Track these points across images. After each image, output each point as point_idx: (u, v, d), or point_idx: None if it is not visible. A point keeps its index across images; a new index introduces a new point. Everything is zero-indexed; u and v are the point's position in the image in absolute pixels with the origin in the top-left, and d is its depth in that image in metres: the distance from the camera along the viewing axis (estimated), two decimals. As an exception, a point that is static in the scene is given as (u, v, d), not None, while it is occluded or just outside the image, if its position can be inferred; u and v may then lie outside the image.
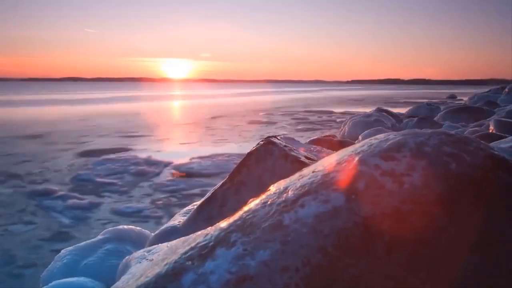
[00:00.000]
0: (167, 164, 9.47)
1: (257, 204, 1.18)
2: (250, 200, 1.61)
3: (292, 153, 2.43)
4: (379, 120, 15.25)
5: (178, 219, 2.81)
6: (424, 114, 18.53)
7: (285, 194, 1.16)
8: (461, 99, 42.07)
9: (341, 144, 5.84)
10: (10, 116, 22.20)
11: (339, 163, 1.21)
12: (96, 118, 19.11)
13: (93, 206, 6.61)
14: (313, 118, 21.81)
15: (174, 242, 2.00)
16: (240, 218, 1.14)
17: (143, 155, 10.28)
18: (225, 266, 0.97)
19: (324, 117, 22.12)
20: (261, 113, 24.16)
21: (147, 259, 1.84)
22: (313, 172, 1.24)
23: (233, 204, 2.49)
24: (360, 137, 11.87)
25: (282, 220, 1.04)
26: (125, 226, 4.65)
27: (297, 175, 1.32)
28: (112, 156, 10.27)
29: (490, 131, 8.32)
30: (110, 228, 4.55)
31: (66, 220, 5.99)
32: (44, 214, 6.23)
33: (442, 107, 21.79)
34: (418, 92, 75.40)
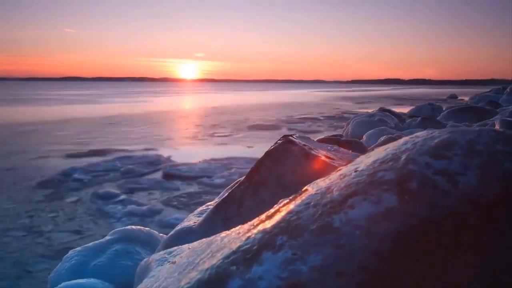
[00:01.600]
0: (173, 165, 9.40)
1: (299, 205, 1.12)
2: (281, 200, 1.55)
3: (313, 152, 2.37)
4: (382, 120, 15.21)
5: (193, 220, 2.74)
6: (426, 114, 18.49)
7: (329, 195, 1.10)
8: (462, 99, 42.06)
9: (349, 143, 5.74)
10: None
11: (383, 161, 1.15)
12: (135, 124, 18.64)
13: (110, 202, 6.57)
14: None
15: (195, 243, 1.94)
16: (283, 220, 1.07)
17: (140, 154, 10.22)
18: (274, 272, 0.91)
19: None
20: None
21: (169, 262, 1.78)
22: (355, 171, 1.18)
23: (251, 205, 2.43)
24: (364, 137, 11.82)
25: (332, 222, 0.97)
26: (134, 227, 4.59)
27: (336, 174, 1.26)
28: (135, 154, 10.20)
29: (497, 131, 8.23)
30: (118, 229, 4.49)
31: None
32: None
33: (444, 107, 21.75)
34: (418, 92, 75.38)
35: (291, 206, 1.15)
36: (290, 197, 1.51)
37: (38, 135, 14.51)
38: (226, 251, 1.07)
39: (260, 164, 2.49)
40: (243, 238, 1.11)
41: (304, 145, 2.47)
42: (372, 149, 1.86)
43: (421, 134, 1.29)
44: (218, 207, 2.56)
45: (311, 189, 1.26)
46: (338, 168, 1.35)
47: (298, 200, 1.18)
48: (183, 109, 30.58)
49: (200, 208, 3.03)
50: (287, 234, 1.00)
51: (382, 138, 8.25)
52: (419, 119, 15.73)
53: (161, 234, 4.62)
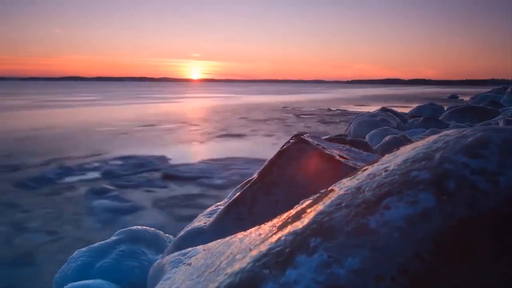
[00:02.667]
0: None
1: (329, 206, 1.08)
2: (302, 200, 1.51)
3: (326, 152, 2.33)
4: (384, 119, 15.17)
5: (203, 220, 2.70)
6: (427, 114, 18.46)
7: (361, 195, 1.06)
8: (462, 99, 42.04)
9: (354, 143, 5.69)
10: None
11: (415, 161, 1.11)
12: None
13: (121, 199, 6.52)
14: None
15: (210, 245, 1.90)
16: (314, 221, 1.03)
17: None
18: (310, 275, 0.87)
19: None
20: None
21: (185, 263, 1.74)
22: (385, 171, 1.14)
23: (264, 205, 2.39)
24: (367, 137, 11.78)
25: (368, 224, 0.94)
26: (139, 227, 4.54)
27: (363, 174, 1.22)
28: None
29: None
30: (124, 229, 4.44)
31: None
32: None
33: (445, 107, 21.72)
34: (418, 92, 75.40)
35: (321, 206, 1.11)
36: (312, 197, 1.47)
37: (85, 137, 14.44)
38: (255, 254, 1.03)
39: (273, 163, 2.45)
40: (272, 240, 1.07)
41: (317, 144, 2.44)
42: (392, 150, 1.82)
43: (451, 132, 1.25)
44: (229, 207, 2.52)
45: (338, 189, 1.22)
46: (363, 168, 1.31)
47: (327, 201, 1.14)
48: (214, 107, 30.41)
49: (210, 208, 2.99)
50: (321, 236, 0.96)
51: (386, 138, 8.22)
52: (421, 119, 15.70)
53: (166, 235, 4.58)
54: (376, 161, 1.34)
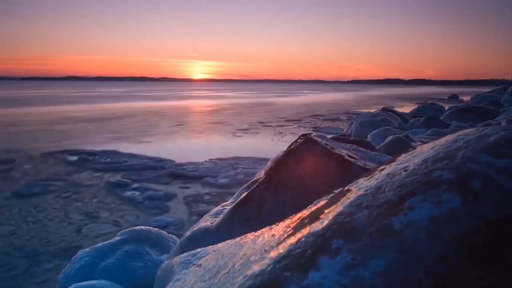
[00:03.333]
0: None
1: (348, 206, 1.06)
2: (316, 201, 1.49)
3: (335, 151, 2.31)
4: (386, 119, 15.15)
5: (210, 220, 2.68)
6: (428, 114, 18.44)
7: (382, 195, 1.03)
8: (462, 99, 41.99)
9: (358, 143, 5.64)
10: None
11: (436, 160, 1.09)
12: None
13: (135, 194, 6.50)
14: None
15: (220, 245, 1.88)
16: (335, 221, 1.01)
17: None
18: (334, 278, 0.85)
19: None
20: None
21: (194, 265, 1.72)
22: (405, 170, 1.12)
23: (271, 205, 2.37)
24: (369, 137, 11.75)
25: (392, 225, 0.91)
26: (143, 227, 4.51)
27: (381, 174, 1.20)
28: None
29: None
30: (127, 229, 4.42)
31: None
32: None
33: (446, 107, 21.69)
34: (419, 92, 75.39)
35: (340, 207, 1.09)
36: (327, 197, 1.45)
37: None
38: (273, 255, 1.00)
39: (280, 163, 2.43)
40: (290, 241, 1.04)
41: (326, 144, 2.41)
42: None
43: (470, 131, 1.22)
44: (236, 207, 2.49)
45: (355, 189, 1.20)
46: (380, 168, 1.29)
47: (346, 201, 1.11)
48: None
49: (216, 209, 2.96)
50: (343, 237, 0.94)
51: (389, 138, 8.20)
52: (422, 119, 15.68)
53: (170, 235, 4.55)
54: (392, 161, 1.31)
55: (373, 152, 2.78)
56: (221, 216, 2.60)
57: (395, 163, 1.26)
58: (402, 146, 7.36)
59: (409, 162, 1.19)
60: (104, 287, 3.51)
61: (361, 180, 1.25)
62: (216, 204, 6.39)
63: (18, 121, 18.58)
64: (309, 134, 2.74)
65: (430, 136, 10.72)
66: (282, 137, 14.52)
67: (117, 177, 8.16)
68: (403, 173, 1.11)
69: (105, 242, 4.19)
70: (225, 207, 2.84)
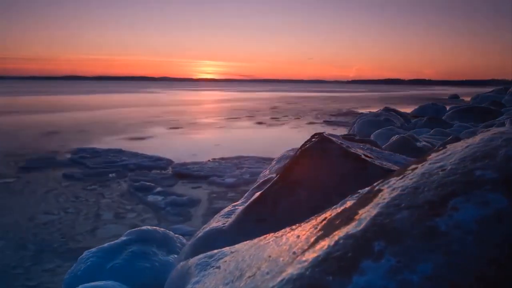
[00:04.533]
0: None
1: (385, 207, 1.02)
2: (344, 201, 1.44)
3: (352, 151, 2.26)
4: (388, 119, 15.11)
5: (222, 221, 2.63)
6: (430, 114, 18.40)
7: (421, 195, 0.99)
8: (463, 99, 41.95)
9: (365, 142, 5.59)
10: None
11: (474, 159, 1.05)
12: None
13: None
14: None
15: (238, 246, 1.83)
16: (374, 223, 0.97)
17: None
18: (379, 282, 0.81)
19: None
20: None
21: (213, 267, 1.68)
22: (442, 170, 1.08)
23: (287, 205, 2.32)
24: (372, 137, 11.71)
25: (437, 226, 0.87)
26: (149, 227, 4.47)
27: (415, 173, 1.15)
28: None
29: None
30: (133, 229, 4.37)
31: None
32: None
33: (448, 107, 21.65)
34: (419, 92, 75.34)
35: (375, 208, 1.04)
36: (353, 197, 1.41)
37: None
38: (309, 258, 0.96)
39: (295, 163, 2.39)
40: (324, 244, 1.00)
41: (341, 143, 2.37)
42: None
43: (505, 129, 1.18)
44: (249, 207, 2.45)
45: (388, 189, 1.15)
46: (411, 167, 1.25)
47: (380, 201, 1.07)
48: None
49: (227, 209, 2.92)
50: (385, 239, 0.90)
51: (394, 138, 8.16)
52: (425, 119, 15.63)
53: (176, 235, 4.51)
54: (423, 160, 1.27)
55: (386, 152, 2.74)
56: (234, 216, 2.56)
57: (427, 162, 1.21)
58: (407, 146, 7.33)
59: (444, 162, 1.15)
60: (111, 287, 3.47)
61: (392, 180, 1.21)
62: (221, 204, 6.37)
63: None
64: (321, 133, 2.70)
65: (434, 136, 10.68)
66: (282, 136, 14.50)
67: (129, 178, 8.11)
68: (441, 173, 1.06)
69: (111, 242, 4.14)
70: (237, 207, 2.80)
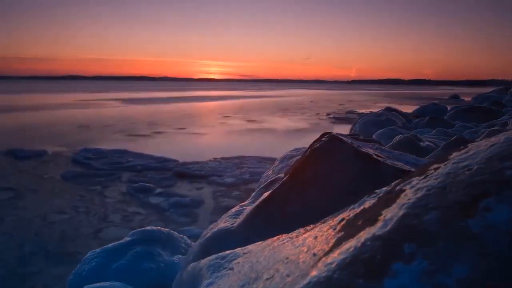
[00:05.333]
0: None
1: (412, 207, 0.99)
2: (362, 201, 1.41)
3: (363, 150, 2.23)
4: (390, 119, 15.08)
5: (230, 221, 2.60)
6: (431, 114, 18.37)
7: (449, 196, 0.96)
8: (463, 99, 41.92)
9: (369, 142, 5.55)
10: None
11: (502, 158, 1.02)
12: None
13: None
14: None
15: (250, 247, 1.80)
16: (401, 224, 0.94)
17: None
18: (412, 286, 0.78)
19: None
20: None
21: (226, 268, 1.64)
22: (468, 169, 1.05)
23: (297, 205, 2.29)
24: (374, 136, 11.68)
25: (469, 227, 0.84)
26: (154, 227, 4.43)
27: (440, 172, 1.12)
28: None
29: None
30: (137, 229, 4.33)
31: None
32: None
33: (449, 107, 21.63)
34: (419, 92, 75.35)
35: (401, 208, 1.01)
36: (370, 197, 1.38)
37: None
38: (335, 260, 0.93)
39: (305, 162, 2.35)
40: (351, 245, 0.97)
41: (352, 142, 2.34)
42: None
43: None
44: (258, 208, 2.42)
45: (411, 189, 1.12)
46: (433, 166, 1.22)
47: (404, 202, 1.04)
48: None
49: (235, 209, 2.89)
50: (414, 241, 0.87)
51: (397, 138, 8.13)
52: (426, 118, 15.59)
53: (180, 235, 4.47)
54: (445, 159, 1.24)
55: (396, 151, 2.71)
56: (242, 216, 2.53)
57: (450, 162, 1.18)
58: (411, 146, 7.29)
59: (469, 161, 1.12)
60: (117, 289, 3.44)
61: (414, 180, 1.18)
62: (224, 204, 6.34)
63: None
64: (329, 132, 2.67)
65: (436, 136, 10.65)
66: (284, 136, 14.47)
67: (134, 177, 8.07)
68: (467, 172, 1.03)
69: (115, 243, 4.10)
70: (244, 207, 2.77)
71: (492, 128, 10.03)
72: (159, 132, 14.81)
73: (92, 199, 6.70)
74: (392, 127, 12.06)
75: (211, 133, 15.05)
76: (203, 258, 2.20)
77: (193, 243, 4.32)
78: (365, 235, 0.98)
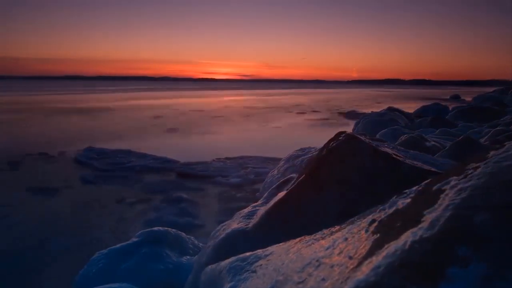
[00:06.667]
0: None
1: (458, 208, 0.94)
2: (394, 201, 1.37)
3: (383, 150, 2.19)
4: (393, 119, 15.04)
5: (243, 222, 2.56)
6: (433, 114, 18.33)
7: (499, 196, 0.92)
8: (464, 99, 41.87)
9: (377, 142, 5.50)
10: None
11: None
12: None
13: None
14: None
15: (272, 249, 1.76)
16: (451, 226, 0.89)
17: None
18: (471, 291, 0.74)
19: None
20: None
21: (248, 271, 1.60)
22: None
23: (314, 205, 2.25)
24: (377, 136, 11.63)
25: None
26: (161, 228, 4.39)
27: (481, 172, 1.08)
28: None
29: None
30: (145, 230, 4.29)
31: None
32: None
33: (450, 107, 21.61)
34: (419, 92, 75.29)
35: (449, 210, 0.97)
36: (404, 197, 1.33)
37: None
38: (384, 264, 0.89)
39: (322, 162, 2.31)
40: (396, 248, 0.92)
41: (370, 142, 2.30)
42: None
43: None
44: (274, 208, 2.37)
45: (452, 189, 1.08)
46: (473, 166, 1.17)
47: (448, 202, 1.00)
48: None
49: (247, 209, 2.84)
50: (468, 243, 0.82)
51: (403, 138, 8.08)
52: (429, 118, 15.55)
53: (188, 236, 4.42)
54: (483, 159, 1.20)
55: (411, 151, 2.66)
56: (257, 217, 2.48)
57: (491, 161, 1.14)
58: (416, 145, 7.24)
59: (510, 161, 1.07)
60: (126, 290, 3.40)
61: (452, 180, 1.14)
62: (230, 204, 6.29)
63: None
64: (343, 132, 2.63)
65: (440, 136, 10.61)
66: (285, 136, 14.43)
67: (130, 177, 8.04)
68: (514, 172, 0.99)
69: (123, 243, 4.05)
70: (257, 207, 2.73)
71: (497, 128, 9.99)
72: (161, 133, 14.77)
73: (95, 199, 6.65)
74: (395, 127, 12.01)
75: (211, 133, 15.00)
76: (218, 259, 2.15)
77: (200, 244, 4.27)
78: (409, 237, 0.94)
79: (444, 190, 1.11)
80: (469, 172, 1.14)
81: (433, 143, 7.74)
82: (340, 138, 2.36)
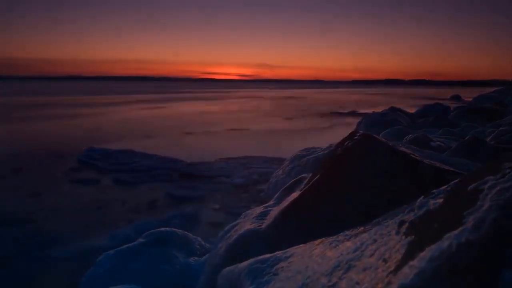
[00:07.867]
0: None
1: (507, 209, 0.91)
2: (423, 202, 1.33)
3: (401, 150, 2.15)
4: (395, 119, 15.00)
5: (256, 223, 2.51)
6: (434, 114, 18.30)
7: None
8: (464, 100, 41.83)
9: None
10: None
11: None
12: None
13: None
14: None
15: (293, 251, 1.72)
16: (498, 228, 0.86)
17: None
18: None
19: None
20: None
21: (269, 273, 1.56)
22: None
23: (330, 206, 2.21)
24: (380, 136, 11.54)
25: None
26: (167, 229, 4.34)
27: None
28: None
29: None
30: (152, 231, 4.24)
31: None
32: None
33: (452, 107, 21.58)
34: (419, 92, 75.28)
35: (492, 212, 0.93)
36: (433, 197, 1.29)
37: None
38: (430, 267, 0.85)
39: (337, 162, 2.27)
40: (449, 249, 0.88)
41: (387, 141, 2.26)
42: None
43: None
44: (288, 209, 2.33)
45: (489, 189, 1.04)
46: (506, 165, 1.14)
47: (490, 203, 0.96)
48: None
49: (259, 210, 2.80)
50: (516, 246, 0.79)
51: (408, 137, 8.05)
52: (431, 118, 15.51)
53: (194, 236, 4.38)
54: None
55: (426, 150, 2.62)
56: (271, 217, 2.45)
57: (528, 160, 1.10)
58: (422, 145, 7.20)
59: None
60: (133, 292, 3.36)
61: (489, 180, 1.10)
62: (234, 204, 6.26)
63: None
64: (355, 131, 2.59)
65: (444, 136, 10.58)
66: (287, 136, 14.40)
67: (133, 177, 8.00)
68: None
69: (129, 244, 4.00)
70: (269, 208, 2.69)
71: (500, 128, 9.95)
72: (164, 133, 14.74)
73: (98, 199, 6.61)
74: (398, 127, 11.97)
75: (211, 134, 14.96)
76: (231, 260, 2.11)
77: (207, 244, 4.23)
78: (453, 239, 0.90)
79: (482, 190, 1.07)
80: (507, 172, 1.10)
81: (438, 143, 7.70)
82: (355, 137, 2.32)
